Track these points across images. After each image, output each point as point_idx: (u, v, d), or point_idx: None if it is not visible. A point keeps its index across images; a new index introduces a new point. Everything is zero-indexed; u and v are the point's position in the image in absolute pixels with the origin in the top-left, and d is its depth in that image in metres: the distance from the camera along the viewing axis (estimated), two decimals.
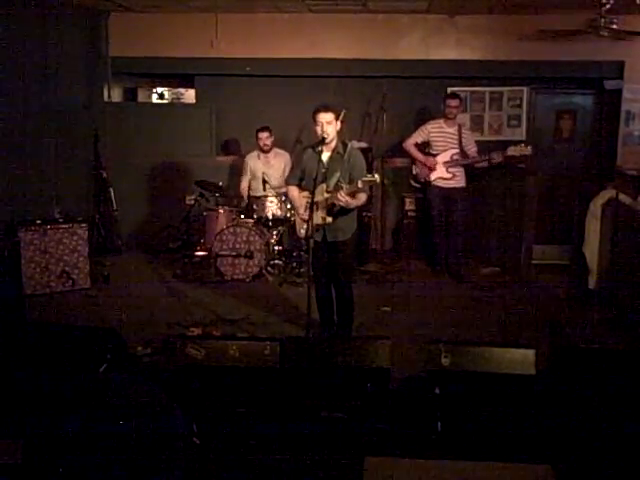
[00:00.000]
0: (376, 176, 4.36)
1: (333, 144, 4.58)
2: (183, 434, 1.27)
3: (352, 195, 4.42)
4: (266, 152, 7.05)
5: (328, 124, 4.46)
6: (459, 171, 6.69)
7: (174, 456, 1.23)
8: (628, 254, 5.29)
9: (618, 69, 7.50)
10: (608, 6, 5.66)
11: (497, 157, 6.55)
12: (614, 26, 5.94)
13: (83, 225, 6.18)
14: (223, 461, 3.22)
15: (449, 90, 7.75)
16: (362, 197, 4.52)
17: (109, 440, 1.15)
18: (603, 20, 5.87)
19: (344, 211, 4.57)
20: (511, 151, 6.43)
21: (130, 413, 1.21)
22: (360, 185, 4.35)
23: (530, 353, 3.51)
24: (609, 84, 7.65)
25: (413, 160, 6.87)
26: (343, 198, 4.36)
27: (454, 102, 6.64)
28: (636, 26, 6.56)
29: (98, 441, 1.14)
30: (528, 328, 5.14)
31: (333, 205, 4.49)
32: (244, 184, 7.15)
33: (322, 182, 4.50)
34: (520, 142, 6.93)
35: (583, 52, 7.36)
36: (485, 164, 6.69)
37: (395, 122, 7.62)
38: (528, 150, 6.41)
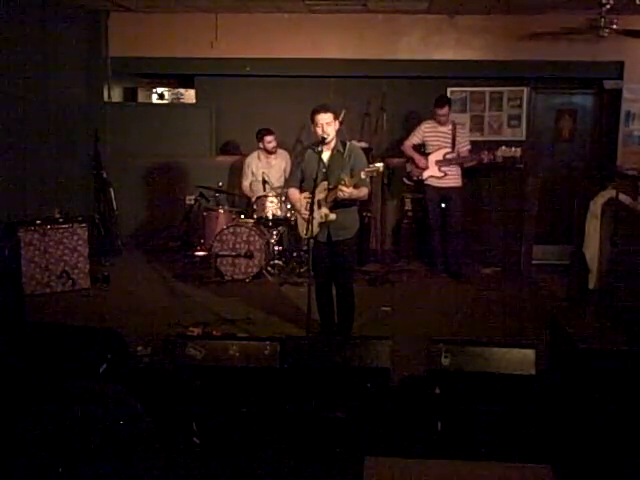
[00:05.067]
0: (378, 164, 4.36)
1: (333, 143, 4.57)
2: (144, 431, 1.27)
3: (354, 187, 4.41)
4: (271, 154, 7.03)
5: (328, 125, 4.45)
6: (452, 170, 6.62)
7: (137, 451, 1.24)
8: (628, 254, 5.29)
9: (618, 69, 7.51)
10: (608, 6, 5.66)
11: (485, 157, 6.53)
12: (614, 26, 5.94)
13: (83, 225, 6.18)
14: (223, 461, 3.21)
15: (449, 91, 7.78)
16: (364, 190, 4.52)
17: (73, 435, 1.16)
18: (603, 20, 5.87)
19: (346, 205, 4.55)
20: (501, 152, 6.56)
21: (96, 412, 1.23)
22: (363, 176, 4.36)
23: (530, 353, 3.51)
24: (609, 84, 7.65)
25: (408, 159, 6.88)
26: (346, 189, 4.34)
27: (442, 111, 6.56)
28: (636, 26, 6.57)
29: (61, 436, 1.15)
30: (528, 328, 5.14)
31: (335, 200, 4.46)
32: (245, 184, 7.14)
33: (323, 180, 4.51)
34: (513, 143, 7.12)
35: (583, 52, 7.38)
36: (474, 163, 6.66)
37: (395, 122, 7.63)
38: (517, 152, 6.57)
